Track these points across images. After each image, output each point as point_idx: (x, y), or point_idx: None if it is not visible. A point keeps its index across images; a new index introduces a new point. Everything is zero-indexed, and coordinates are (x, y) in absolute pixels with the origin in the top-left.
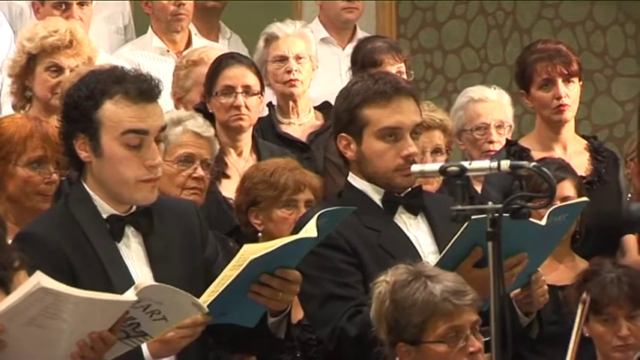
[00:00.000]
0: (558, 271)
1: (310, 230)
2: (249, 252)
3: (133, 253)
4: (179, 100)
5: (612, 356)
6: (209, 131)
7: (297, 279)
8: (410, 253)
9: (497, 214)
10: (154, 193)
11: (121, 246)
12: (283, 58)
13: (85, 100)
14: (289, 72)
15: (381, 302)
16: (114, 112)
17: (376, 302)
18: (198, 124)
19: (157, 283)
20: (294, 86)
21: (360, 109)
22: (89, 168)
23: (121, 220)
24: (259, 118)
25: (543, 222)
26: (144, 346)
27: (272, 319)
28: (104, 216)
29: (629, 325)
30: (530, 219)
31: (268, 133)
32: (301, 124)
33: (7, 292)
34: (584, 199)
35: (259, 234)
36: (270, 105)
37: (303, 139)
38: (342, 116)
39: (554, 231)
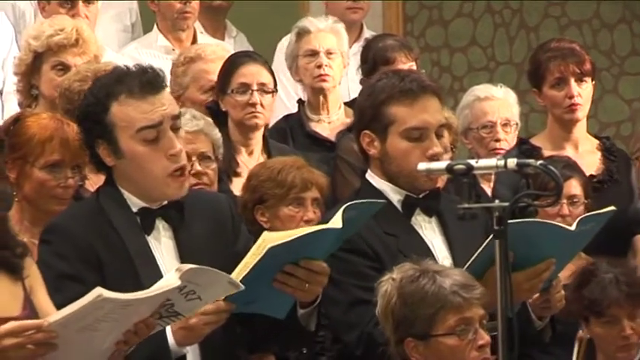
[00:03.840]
0: (567, 270)
1: (336, 221)
2: (269, 240)
3: (162, 246)
4: (177, 98)
5: (616, 357)
6: (197, 125)
7: (324, 270)
8: (428, 257)
9: (503, 212)
10: (184, 187)
11: (151, 239)
12: (314, 53)
13: (93, 107)
14: (319, 67)
15: (388, 299)
16: (123, 112)
17: (382, 299)
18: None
19: (198, 266)
20: (324, 81)
21: (386, 107)
22: (116, 170)
23: (152, 213)
24: (287, 116)
25: (573, 227)
26: (169, 334)
27: (301, 310)
28: (134, 209)
29: (631, 324)
30: (561, 224)
31: (297, 131)
32: (331, 121)
33: (21, 280)
34: (611, 208)
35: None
36: (299, 101)
37: (332, 137)
38: (366, 112)
39: (580, 238)
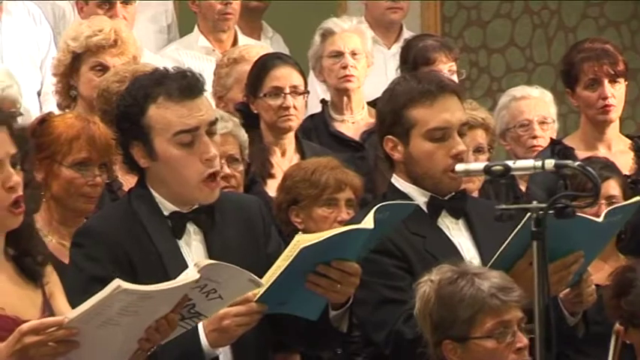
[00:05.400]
0: (603, 271)
1: (367, 222)
2: (302, 241)
3: (193, 250)
4: (220, 99)
5: None
6: (226, 127)
7: (356, 271)
8: (455, 257)
9: (541, 213)
10: (215, 193)
11: (182, 243)
12: (339, 54)
13: (130, 108)
14: (344, 67)
15: (426, 301)
16: (160, 115)
17: (421, 301)
18: None
19: (217, 262)
20: (349, 81)
21: (406, 110)
22: (149, 172)
23: (183, 217)
24: (311, 115)
25: (601, 219)
26: (202, 336)
27: (333, 312)
28: (166, 213)
29: None
30: (589, 216)
31: (322, 131)
32: (355, 121)
33: (41, 287)
34: (638, 198)
35: (299, 233)
36: (323, 102)
37: (357, 137)
38: (387, 118)
39: (608, 230)
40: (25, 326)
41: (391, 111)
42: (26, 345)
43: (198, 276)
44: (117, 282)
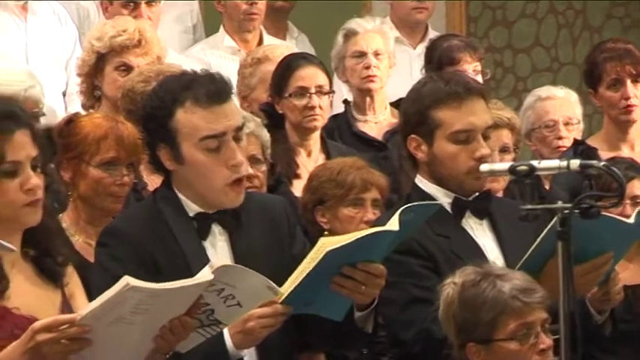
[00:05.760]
0: (629, 271)
1: (392, 224)
2: (328, 244)
3: (218, 251)
4: (244, 99)
5: None
6: (248, 127)
7: (381, 273)
8: (480, 258)
9: (566, 213)
10: (240, 198)
11: (207, 244)
12: (362, 54)
13: (157, 110)
14: (367, 67)
15: (450, 303)
16: (187, 119)
17: (444, 303)
18: None
19: (231, 264)
20: (372, 82)
21: (432, 111)
22: (175, 175)
23: (208, 218)
24: (334, 116)
25: (632, 220)
26: (227, 338)
27: (358, 313)
28: (191, 214)
29: None
30: (618, 217)
31: (345, 131)
32: (377, 121)
33: (60, 288)
34: None
35: (325, 233)
36: (345, 102)
37: (379, 137)
38: (412, 117)
39: (636, 230)
40: (37, 324)
41: (417, 111)
42: (39, 342)
43: (211, 277)
44: (126, 279)
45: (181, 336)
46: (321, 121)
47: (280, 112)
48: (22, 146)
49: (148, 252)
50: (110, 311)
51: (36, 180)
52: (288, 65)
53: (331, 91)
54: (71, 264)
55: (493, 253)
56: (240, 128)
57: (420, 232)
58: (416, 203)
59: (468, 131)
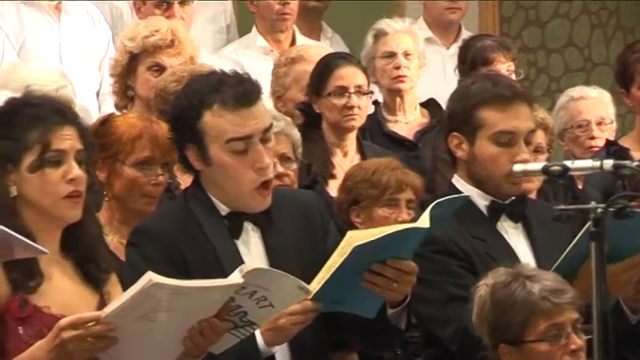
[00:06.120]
0: None
1: (423, 220)
2: (355, 239)
3: (251, 248)
4: (279, 99)
5: None
6: (277, 126)
7: (413, 270)
8: (515, 261)
9: (600, 213)
10: (267, 201)
11: (240, 243)
12: (392, 54)
13: (185, 112)
14: (397, 68)
15: (482, 305)
16: (214, 121)
17: (477, 305)
18: None
19: (262, 267)
20: (402, 82)
21: (477, 110)
22: (203, 175)
23: (240, 217)
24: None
25: None
26: (258, 335)
27: (391, 310)
28: (223, 213)
29: None
30: None
31: (375, 132)
32: (407, 122)
33: (100, 294)
34: None
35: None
36: (375, 103)
37: (410, 137)
38: (457, 115)
39: None
40: (63, 321)
41: (462, 109)
42: (64, 340)
43: (240, 281)
44: (149, 275)
45: (211, 339)
46: (359, 120)
47: (318, 111)
48: (70, 138)
49: (177, 250)
50: (135, 309)
51: (79, 172)
52: (328, 64)
53: (370, 92)
54: (114, 272)
55: (526, 257)
56: (268, 129)
57: (457, 233)
58: (444, 198)
59: (510, 133)
